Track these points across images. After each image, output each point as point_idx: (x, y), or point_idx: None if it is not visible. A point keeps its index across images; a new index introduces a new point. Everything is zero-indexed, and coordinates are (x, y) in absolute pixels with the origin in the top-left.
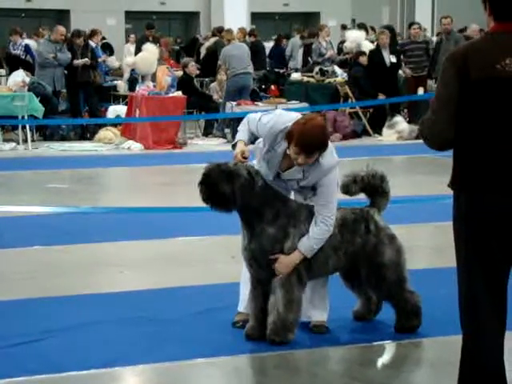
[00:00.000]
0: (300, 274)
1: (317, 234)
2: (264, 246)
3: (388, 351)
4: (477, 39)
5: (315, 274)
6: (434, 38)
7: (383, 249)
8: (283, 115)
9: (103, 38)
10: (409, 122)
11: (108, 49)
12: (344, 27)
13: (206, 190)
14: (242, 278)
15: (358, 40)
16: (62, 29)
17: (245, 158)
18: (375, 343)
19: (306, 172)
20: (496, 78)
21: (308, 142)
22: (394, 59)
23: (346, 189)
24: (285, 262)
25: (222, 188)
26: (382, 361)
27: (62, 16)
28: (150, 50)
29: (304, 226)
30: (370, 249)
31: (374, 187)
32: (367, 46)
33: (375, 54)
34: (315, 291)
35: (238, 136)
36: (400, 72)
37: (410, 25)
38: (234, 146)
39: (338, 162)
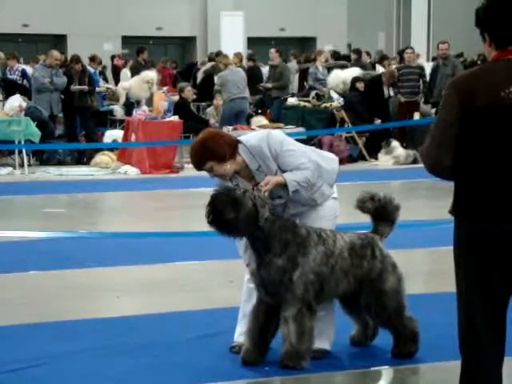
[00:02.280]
0: (310, 305)
1: (300, 172)
2: (272, 276)
3: (385, 377)
4: (480, 66)
5: (326, 298)
6: (430, 64)
7: (387, 276)
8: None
9: (100, 63)
10: (404, 148)
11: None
12: (336, 56)
13: (211, 213)
14: (242, 304)
15: (346, 81)
16: (56, 53)
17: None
18: (373, 369)
19: (258, 163)
20: (500, 106)
21: (193, 163)
22: (391, 92)
23: (362, 204)
24: (272, 181)
25: (226, 214)
26: None
27: (58, 41)
28: (142, 77)
29: (315, 251)
30: (374, 275)
31: (386, 212)
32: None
33: (376, 85)
34: (321, 319)
35: None
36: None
37: (404, 49)
38: None
39: (268, 132)
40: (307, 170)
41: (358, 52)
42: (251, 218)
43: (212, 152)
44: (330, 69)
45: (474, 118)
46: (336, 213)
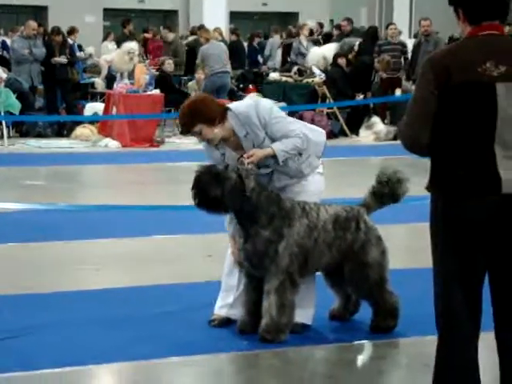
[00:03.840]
0: (293, 278)
1: (289, 140)
2: (258, 248)
3: (365, 351)
4: (456, 43)
5: (309, 271)
6: (411, 40)
7: (370, 248)
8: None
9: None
10: (386, 124)
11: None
12: (320, 28)
13: (197, 195)
14: (223, 277)
15: (329, 58)
16: (33, 23)
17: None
18: (352, 343)
19: (245, 130)
20: (477, 81)
21: (182, 125)
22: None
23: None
24: (258, 154)
25: (212, 192)
26: (358, 361)
27: (39, 13)
28: (124, 50)
29: (298, 223)
30: (357, 247)
31: (390, 190)
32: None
33: (367, 69)
34: (301, 293)
35: None
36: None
37: (388, 25)
38: None
39: (256, 100)
40: (296, 138)
41: (339, 27)
42: (237, 190)
43: (202, 114)
44: (315, 42)
45: (451, 95)
46: (321, 188)
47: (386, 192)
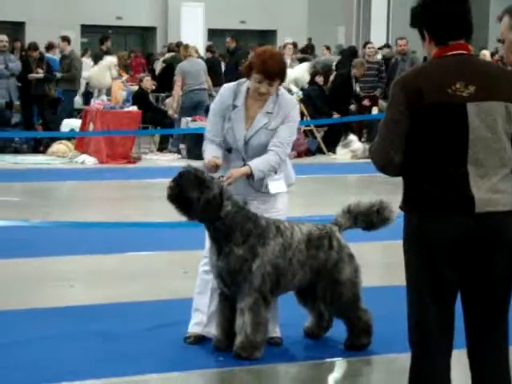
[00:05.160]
0: (266, 296)
1: (268, 159)
2: (231, 266)
3: (338, 368)
4: (425, 64)
5: (281, 291)
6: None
7: (343, 266)
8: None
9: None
10: (362, 142)
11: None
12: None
13: (173, 189)
14: (195, 296)
15: (301, 79)
16: (2, 37)
17: (217, 165)
18: (326, 360)
19: (273, 110)
20: (448, 102)
21: (270, 66)
22: (358, 88)
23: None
24: (234, 175)
25: (189, 193)
26: (332, 378)
27: (17, 28)
28: (104, 64)
29: (273, 242)
30: (330, 265)
31: (366, 215)
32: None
33: (346, 81)
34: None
35: (206, 156)
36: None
37: (365, 44)
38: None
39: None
40: (276, 156)
41: (311, 47)
42: (213, 205)
43: (285, 76)
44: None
45: (423, 116)
46: (285, 207)
47: (366, 218)
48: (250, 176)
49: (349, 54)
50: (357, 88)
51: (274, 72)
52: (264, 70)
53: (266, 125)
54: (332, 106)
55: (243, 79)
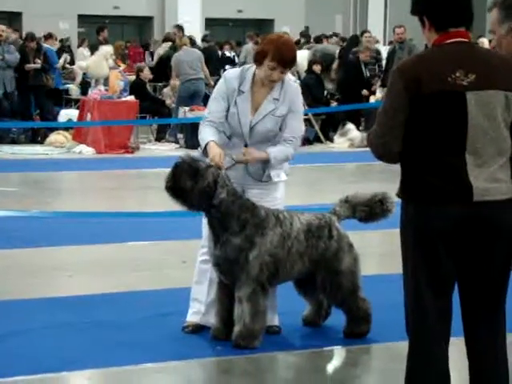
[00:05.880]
0: (264, 285)
1: (285, 152)
2: (228, 255)
3: (337, 357)
4: (425, 52)
5: (280, 281)
6: (386, 47)
7: (342, 256)
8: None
9: (61, 41)
10: (360, 131)
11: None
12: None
13: (170, 179)
14: (193, 286)
15: (300, 66)
16: (1, 27)
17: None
18: (325, 349)
19: (280, 96)
20: (447, 91)
21: (285, 54)
22: (368, 73)
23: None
24: (254, 155)
25: (183, 183)
26: (331, 366)
27: (14, 19)
28: (101, 53)
29: (272, 232)
30: (330, 254)
31: (367, 206)
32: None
33: (354, 66)
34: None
35: (205, 138)
36: None
37: (362, 33)
38: (204, 151)
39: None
40: (290, 148)
41: (306, 36)
42: (206, 194)
43: (296, 59)
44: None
45: (422, 104)
46: (283, 196)
47: (366, 208)
48: (266, 162)
49: (354, 43)
50: (367, 73)
51: (289, 60)
52: (279, 57)
53: (272, 111)
54: (344, 92)
55: (247, 65)
